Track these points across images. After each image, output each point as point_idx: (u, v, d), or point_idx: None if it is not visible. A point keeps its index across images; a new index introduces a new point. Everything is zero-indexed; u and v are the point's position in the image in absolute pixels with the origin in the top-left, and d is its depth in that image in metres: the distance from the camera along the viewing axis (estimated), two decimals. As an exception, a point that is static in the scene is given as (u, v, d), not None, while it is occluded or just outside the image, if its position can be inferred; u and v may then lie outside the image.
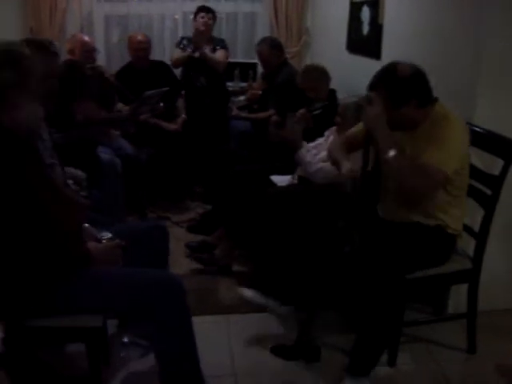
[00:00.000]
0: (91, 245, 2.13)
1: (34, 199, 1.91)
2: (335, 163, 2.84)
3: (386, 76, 2.39)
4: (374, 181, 2.63)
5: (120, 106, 4.38)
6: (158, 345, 2.12)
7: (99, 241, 2.21)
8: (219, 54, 4.74)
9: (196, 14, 4.76)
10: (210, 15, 4.72)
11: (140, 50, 4.58)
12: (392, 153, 2.30)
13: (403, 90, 2.35)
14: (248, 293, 2.91)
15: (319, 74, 3.83)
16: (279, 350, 2.66)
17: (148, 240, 2.41)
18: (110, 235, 2.24)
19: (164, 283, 2.11)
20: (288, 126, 3.45)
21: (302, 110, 3.68)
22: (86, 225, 2.29)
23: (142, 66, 4.62)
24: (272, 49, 4.43)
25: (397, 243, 2.42)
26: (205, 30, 4.69)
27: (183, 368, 2.13)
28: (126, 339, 2.44)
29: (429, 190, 2.35)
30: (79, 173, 3.20)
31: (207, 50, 4.67)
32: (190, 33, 5.09)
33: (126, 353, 2.42)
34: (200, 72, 4.74)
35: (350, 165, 2.72)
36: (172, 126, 4.58)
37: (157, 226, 2.60)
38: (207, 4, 4.97)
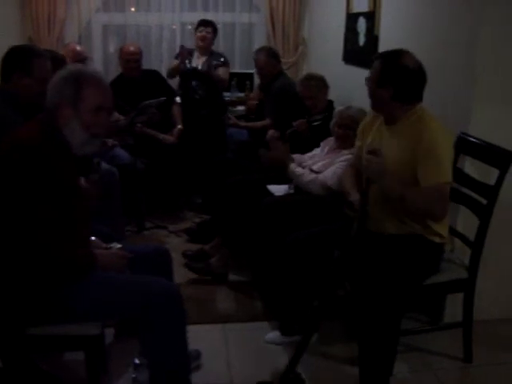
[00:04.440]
0: (98, 251, 2.16)
1: (61, 205, 1.98)
2: (344, 192, 2.85)
3: (390, 55, 2.46)
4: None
5: (115, 115, 4.39)
6: (150, 352, 2.13)
7: (107, 249, 2.25)
8: (221, 72, 4.79)
9: (196, 28, 4.82)
10: (209, 29, 4.77)
11: (131, 61, 4.57)
12: (396, 195, 2.34)
13: (391, 73, 2.42)
14: (271, 336, 2.89)
15: (317, 83, 3.85)
16: None
17: (151, 265, 2.37)
18: (119, 245, 2.28)
19: (161, 291, 2.12)
20: (273, 148, 3.50)
21: (300, 120, 3.70)
22: (93, 238, 2.31)
23: (133, 76, 4.62)
24: (269, 58, 4.46)
25: (387, 256, 2.42)
26: (203, 45, 4.75)
27: (173, 375, 2.14)
28: (137, 361, 2.42)
29: (445, 208, 2.36)
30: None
31: (206, 68, 4.74)
32: (187, 43, 5.14)
33: (137, 374, 2.42)
34: (197, 83, 4.77)
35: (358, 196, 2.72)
36: (168, 139, 4.58)
37: (160, 250, 2.58)
38: (206, 15, 5.01)
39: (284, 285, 2.87)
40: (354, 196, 2.64)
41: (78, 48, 4.40)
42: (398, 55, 2.44)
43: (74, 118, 2.07)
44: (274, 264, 3.02)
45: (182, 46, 4.85)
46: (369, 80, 2.52)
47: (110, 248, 2.28)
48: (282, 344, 2.83)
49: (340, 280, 2.53)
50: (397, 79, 2.41)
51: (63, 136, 2.07)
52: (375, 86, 2.48)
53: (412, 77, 2.42)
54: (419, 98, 2.48)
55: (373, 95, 2.52)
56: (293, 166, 3.36)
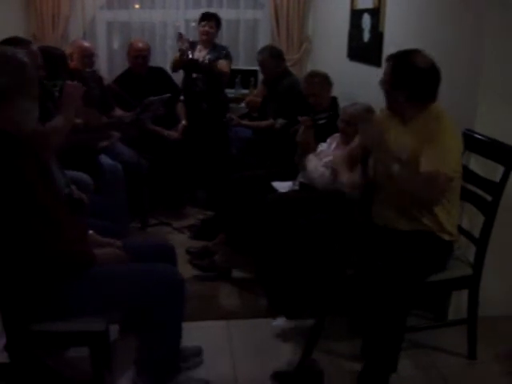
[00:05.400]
0: (96, 250, 2.15)
1: (32, 199, 1.92)
2: (336, 174, 2.88)
3: (402, 56, 2.45)
4: (371, 190, 2.66)
5: (120, 112, 4.41)
6: (144, 335, 2.20)
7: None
8: (222, 65, 4.76)
9: (198, 22, 4.80)
10: (212, 23, 4.75)
11: (140, 57, 4.61)
12: (396, 167, 2.34)
13: (403, 76, 2.42)
14: (278, 322, 2.95)
15: (321, 80, 3.84)
16: (280, 377, 2.55)
17: (155, 261, 2.37)
18: (118, 242, 2.30)
19: (163, 276, 2.17)
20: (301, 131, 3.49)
21: (304, 117, 3.70)
22: (91, 231, 2.31)
23: (140, 72, 4.66)
24: (272, 58, 4.43)
25: (396, 251, 2.43)
26: (206, 38, 4.74)
27: (162, 358, 2.20)
28: None
29: (437, 196, 2.37)
30: (85, 177, 3.22)
31: (207, 57, 4.72)
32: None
33: None
34: (198, 75, 4.76)
35: (351, 176, 2.75)
36: (173, 135, 4.59)
37: (164, 246, 2.60)
38: (210, 11, 4.99)
39: (291, 270, 2.90)
40: (345, 175, 2.68)
41: (86, 44, 4.41)
42: (409, 56, 2.43)
43: (23, 102, 2.02)
44: (280, 251, 3.04)
45: (179, 34, 4.83)
46: (383, 83, 2.50)
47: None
48: (288, 328, 2.87)
49: (345, 261, 2.57)
50: (410, 81, 2.40)
51: (12, 127, 2.00)
52: (390, 89, 2.47)
53: (425, 77, 2.41)
54: (434, 97, 2.46)
55: (388, 97, 2.52)
56: (311, 155, 3.38)
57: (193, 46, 4.78)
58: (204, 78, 4.74)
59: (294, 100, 4.15)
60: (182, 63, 4.74)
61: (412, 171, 2.34)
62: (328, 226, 2.84)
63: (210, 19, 4.74)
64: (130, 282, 2.12)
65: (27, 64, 2.04)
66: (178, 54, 4.74)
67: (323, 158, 3.33)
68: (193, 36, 5.22)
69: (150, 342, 2.19)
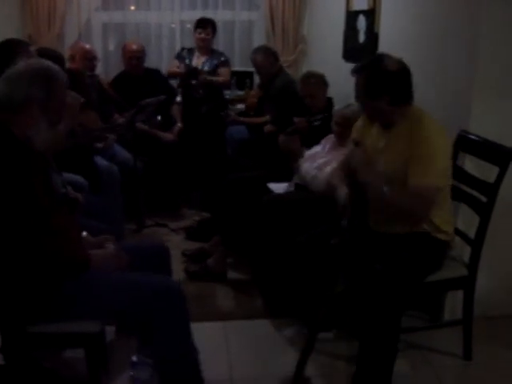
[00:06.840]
0: (93, 251, 2.15)
1: (32, 201, 1.92)
2: (333, 188, 2.88)
3: (371, 65, 2.42)
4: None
5: (116, 116, 4.41)
6: (156, 351, 2.13)
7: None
8: (223, 73, 4.79)
9: (194, 28, 4.81)
10: (208, 30, 4.77)
11: (134, 58, 4.62)
12: (385, 189, 2.34)
13: (380, 83, 2.37)
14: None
15: (317, 81, 3.85)
16: None
17: (150, 262, 2.37)
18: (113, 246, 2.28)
19: (163, 290, 2.12)
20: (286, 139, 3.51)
21: (299, 119, 3.71)
22: (84, 233, 2.31)
23: (136, 73, 4.66)
24: (266, 58, 4.45)
25: (392, 254, 2.43)
26: (203, 45, 4.75)
27: (183, 372, 2.15)
28: (135, 358, 2.42)
29: (427, 210, 2.37)
30: (79, 178, 3.21)
31: (207, 67, 4.76)
32: (187, 42, 5.14)
33: (135, 372, 2.42)
34: (197, 82, 4.77)
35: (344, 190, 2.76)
36: (168, 136, 4.60)
37: (159, 247, 2.59)
38: (205, 13, 5.00)
39: (287, 271, 2.93)
40: (341, 190, 2.66)
41: (88, 46, 4.44)
42: (378, 62, 2.40)
43: (42, 118, 1.99)
44: (277, 261, 3.04)
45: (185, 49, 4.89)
46: (358, 97, 2.47)
47: (105, 248, 2.28)
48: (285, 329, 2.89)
49: (337, 273, 2.56)
50: (388, 86, 2.37)
51: (25, 137, 1.98)
52: (368, 100, 2.43)
53: (399, 78, 2.39)
54: (412, 96, 2.44)
55: (368, 109, 2.48)
56: (302, 160, 3.37)
57: (190, 52, 4.80)
58: (203, 85, 4.75)
59: (288, 100, 4.16)
60: (182, 75, 4.79)
61: (399, 191, 2.33)
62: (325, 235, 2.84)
63: (206, 26, 4.76)
64: (127, 293, 2.08)
65: (57, 82, 2.01)
66: (175, 64, 4.80)
67: (317, 159, 3.33)
68: (188, 38, 5.25)
69: (160, 358, 2.14)
